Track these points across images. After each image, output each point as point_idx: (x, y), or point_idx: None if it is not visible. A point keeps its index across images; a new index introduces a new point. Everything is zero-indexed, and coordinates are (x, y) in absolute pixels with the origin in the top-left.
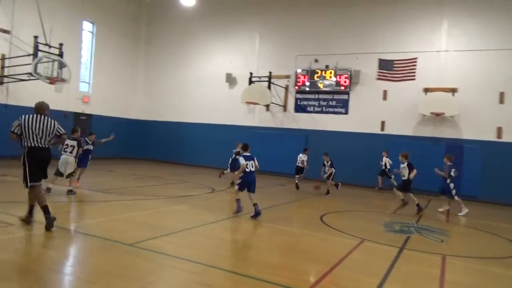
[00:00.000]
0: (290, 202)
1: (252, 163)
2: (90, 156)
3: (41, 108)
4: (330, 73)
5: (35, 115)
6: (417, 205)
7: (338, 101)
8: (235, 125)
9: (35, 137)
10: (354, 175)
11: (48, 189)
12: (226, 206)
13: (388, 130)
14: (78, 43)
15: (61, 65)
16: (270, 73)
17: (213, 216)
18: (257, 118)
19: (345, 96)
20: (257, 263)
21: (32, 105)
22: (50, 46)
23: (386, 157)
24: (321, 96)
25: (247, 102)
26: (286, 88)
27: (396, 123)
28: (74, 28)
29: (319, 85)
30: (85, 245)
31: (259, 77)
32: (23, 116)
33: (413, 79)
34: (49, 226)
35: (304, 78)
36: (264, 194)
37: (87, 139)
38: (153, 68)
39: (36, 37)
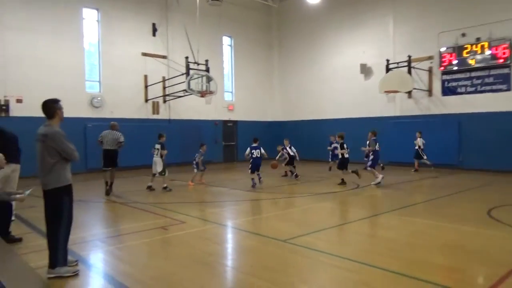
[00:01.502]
0: (447, 196)
1: (258, 151)
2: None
3: (113, 126)
4: (483, 46)
5: (109, 130)
6: (342, 179)
7: (496, 77)
8: (373, 117)
9: (107, 143)
10: None
11: (149, 187)
12: (372, 202)
13: None
14: (220, 57)
15: (209, 79)
16: (409, 57)
17: (360, 213)
18: (398, 107)
19: (505, 70)
20: (419, 262)
21: (189, 117)
22: (198, 64)
23: (420, 137)
24: (473, 74)
25: (385, 91)
26: (430, 70)
27: None
28: (216, 44)
29: (470, 61)
30: (244, 240)
31: (397, 63)
32: (104, 131)
33: None
34: (107, 193)
35: (451, 56)
36: (416, 187)
37: (201, 151)
38: (287, 70)
39: (187, 57)
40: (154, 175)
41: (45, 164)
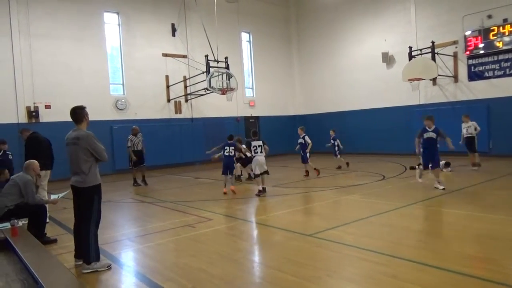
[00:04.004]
0: (478, 184)
1: (230, 149)
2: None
3: (135, 130)
4: (511, 27)
5: (132, 135)
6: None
7: None
8: (397, 107)
9: (136, 145)
10: None
11: (262, 190)
12: (399, 193)
13: None
14: (239, 53)
15: (229, 76)
16: (433, 42)
17: (388, 204)
18: (423, 95)
19: None
20: (450, 253)
21: (211, 115)
22: (218, 61)
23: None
24: (501, 56)
25: (409, 80)
26: (455, 55)
27: None
28: (235, 41)
29: (497, 44)
30: (270, 236)
31: (420, 50)
32: (130, 137)
33: None
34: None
35: (476, 40)
36: (445, 176)
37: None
38: (307, 63)
39: (206, 56)
40: (258, 175)
41: (82, 164)
